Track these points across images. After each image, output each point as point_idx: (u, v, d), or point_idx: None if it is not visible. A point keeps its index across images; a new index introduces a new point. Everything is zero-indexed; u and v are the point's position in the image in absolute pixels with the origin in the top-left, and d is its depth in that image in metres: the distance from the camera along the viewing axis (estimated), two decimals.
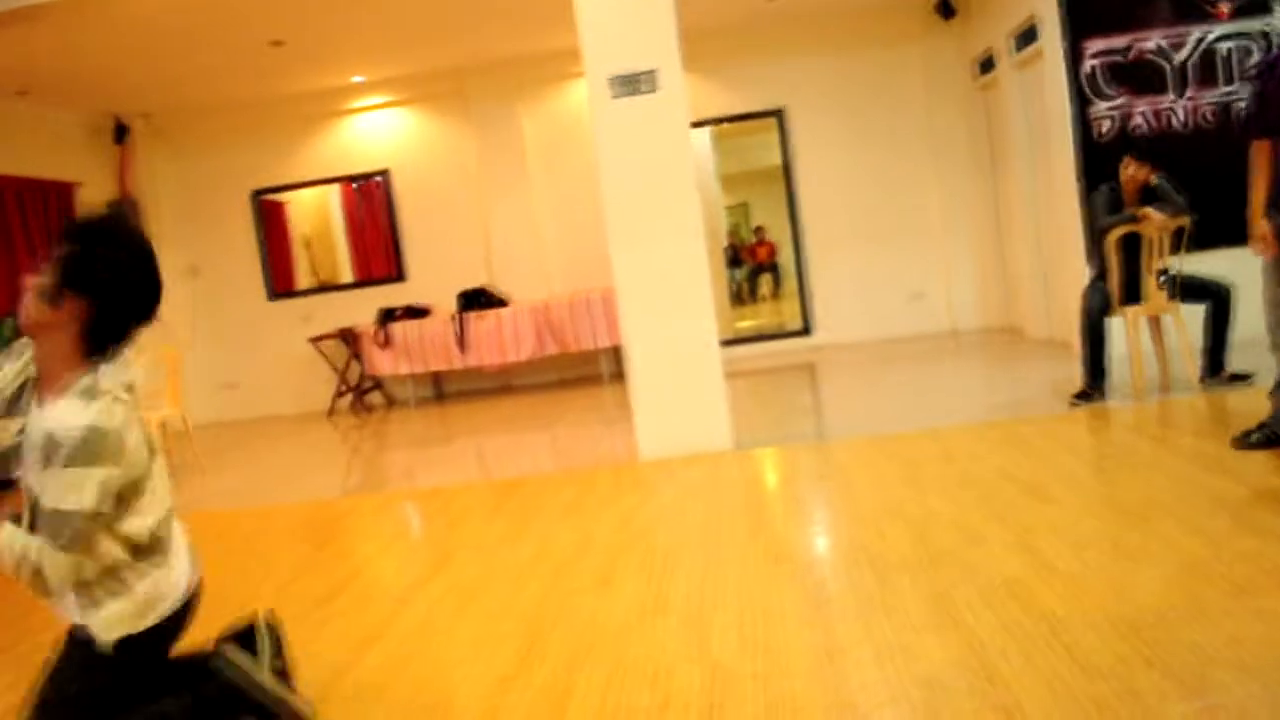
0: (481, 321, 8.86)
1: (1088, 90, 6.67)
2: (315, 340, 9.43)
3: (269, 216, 10.08)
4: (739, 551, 3.66)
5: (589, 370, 9.33)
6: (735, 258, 16.14)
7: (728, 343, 7.75)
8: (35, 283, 2.04)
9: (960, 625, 2.67)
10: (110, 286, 2.04)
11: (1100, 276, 5.53)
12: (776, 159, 9.58)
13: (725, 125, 10.00)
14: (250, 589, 4.03)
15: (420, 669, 2.95)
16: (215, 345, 9.95)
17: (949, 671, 2.40)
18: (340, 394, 9.44)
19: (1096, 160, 6.56)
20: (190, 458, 7.42)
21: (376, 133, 9.78)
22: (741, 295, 16.21)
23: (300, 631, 3.41)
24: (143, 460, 2.07)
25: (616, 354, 8.95)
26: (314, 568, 4.38)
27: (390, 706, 2.70)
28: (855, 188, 9.23)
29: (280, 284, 10.06)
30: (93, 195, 9.08)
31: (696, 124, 8.12)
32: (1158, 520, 3.34)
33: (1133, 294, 5.40)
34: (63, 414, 1.96)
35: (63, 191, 8.67)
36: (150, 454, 2.12)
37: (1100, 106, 6.67)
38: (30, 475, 2.00)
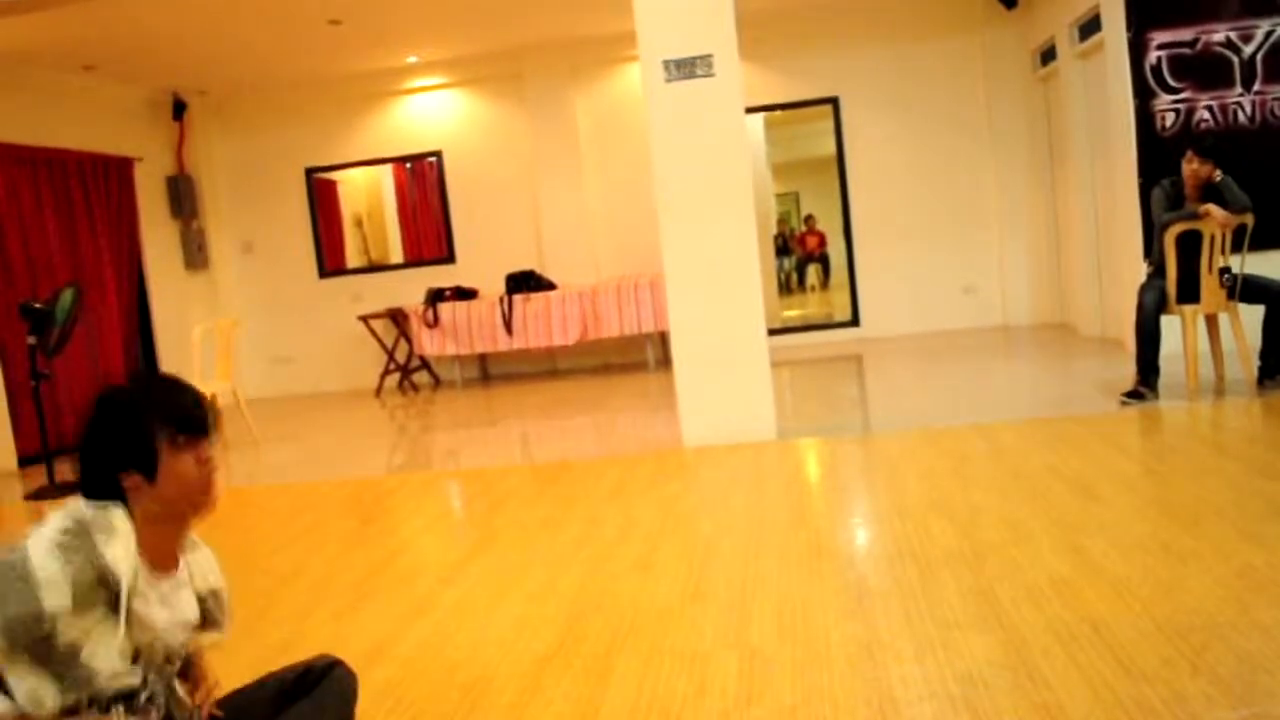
0: (529, 304, 8.90)
1: (1151, 83, 6.53)
2: (365, 319, 9.52)
3: (322, 195, 10.18)
4: (780, 541, 3.65)
5: (635, 356, 9.34)
6: (784, 247, 16.04)
7: (774, 332, 7.71)
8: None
9: (1003, 623, 2.64)
10: None
11: (1157, 274, 5.42)
12: (829, 148, 9.49)
13: (777, 113, 9.93)
14: (299, 561, 4.10)
15: (461, 646, 2.98)
16: (268, 320, 10.08)
17: (990, 669, 2.38)
18: (388, 373, 9.53)
19: (1158, 155, 6.42)
20: (243, 431, 7.54)
21: (430, 114, 9.83)
22: (789, 285, 16.11)
23: (345, 605, 3.47)
24: None
25: (663, 340, 8.95)
26: (360, 543, 4.45)
27: (431, 682, 2.72)
28: (909, 179, 9.12)
29: (331, 262, 10.17)
30: (151, 170, 9.23)
31: (750, 110, 8.06)
32: (1209, 524, 3.28)
33: (1189, 292, 5.28)
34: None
35: (123, 165, 8.81)
36: None
37: (1164, 100, 6.53)
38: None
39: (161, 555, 1.77)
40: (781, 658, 2.60)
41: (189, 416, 1.77)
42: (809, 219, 16.68)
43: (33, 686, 1.57)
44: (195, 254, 9.71)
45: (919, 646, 2.57)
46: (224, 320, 8.04)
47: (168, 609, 1.78)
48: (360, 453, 6.80)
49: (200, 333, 7.37)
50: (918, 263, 9.15)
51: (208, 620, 1.90)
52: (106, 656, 1.65)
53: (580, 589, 3.36)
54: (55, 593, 1.56)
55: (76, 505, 1.71)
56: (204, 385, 7.25)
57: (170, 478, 1.73)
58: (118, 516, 1.68)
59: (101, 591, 1.60)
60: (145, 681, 1.77)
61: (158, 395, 1.78)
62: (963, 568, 3.11)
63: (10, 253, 7.50)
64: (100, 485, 1.73)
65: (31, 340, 6.35)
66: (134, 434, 1.72)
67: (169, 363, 9.15)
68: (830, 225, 14.24)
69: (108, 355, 8.31)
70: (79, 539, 1.62)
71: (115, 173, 8.70)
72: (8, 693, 1.61)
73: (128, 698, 1.80)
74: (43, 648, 1.57)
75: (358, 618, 3.33)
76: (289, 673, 2.01)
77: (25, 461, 7.28)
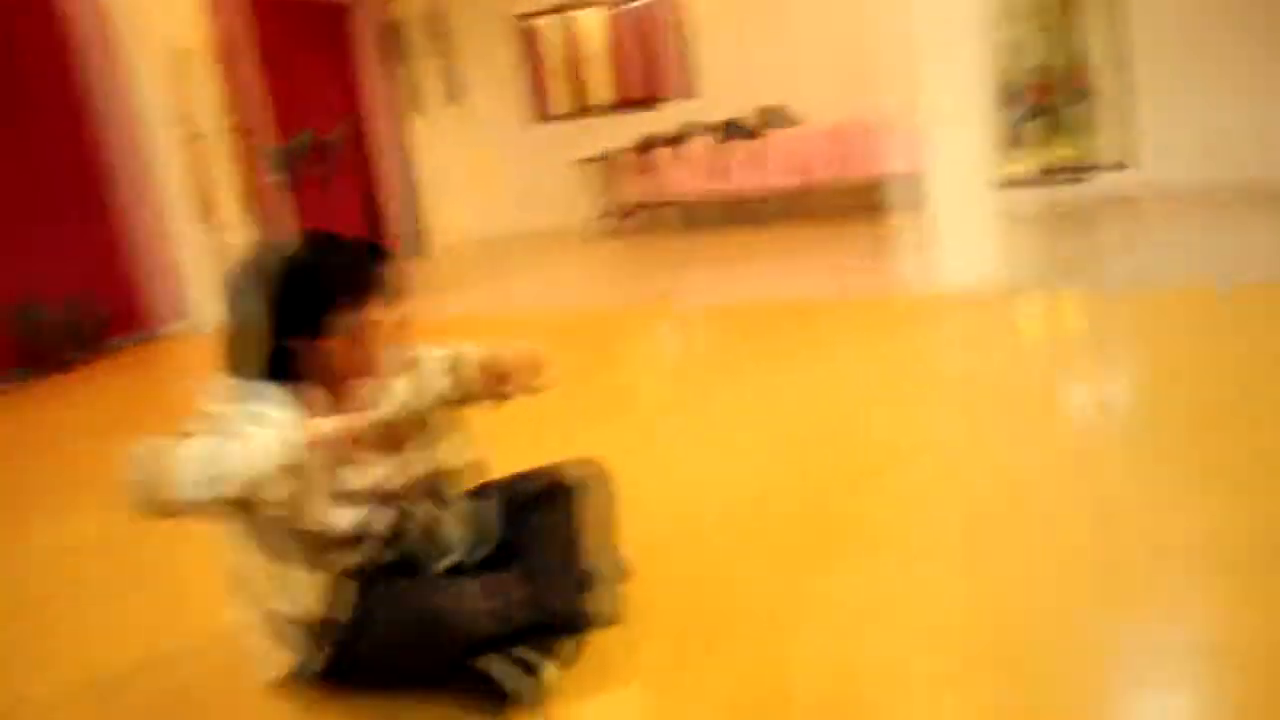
0: (758, 146, 8.72)
1: None
2: (584, 161, 9.61)
3: (531, 40, 10.22)
4: (1010, 397, 3.58)
5: (866, 201, 8.94)
6: (1023, 95, 14.93)
7: (1021, 183, 7.14)
8: None
9: (1240, 489, 2.54)
10: None
11: None
12: None
13: None
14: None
15: (690, 476, 3.11)
16: (484, 164, 10.33)
17: (1228, 532, 2.31)
18: (608, 214, 9.63)
19: None
20: (483, 262, 7.81)
21: None
22: (1039, 129, 15.00)
23: (578, 427, 3.65)
24: None
25: (898, 184, 8.56)
26: (593, 371, 4.61)
27: (659, 508, 2.81)
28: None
29: (546, 106, 10.27)
30: (362, 18, 9.45)
31: None
32: None
33: None
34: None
35: (336, 13, 9.08)
36: None
37: None
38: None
39: (346, 410, 1.81)
40: (1004, 513, 2.59)
41: (363, 278, 1.79)
42: (1048, 68, 15.38)
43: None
44: (453, 92, 10.02)
45: (1154, 506, 2.51)
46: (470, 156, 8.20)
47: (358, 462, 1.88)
48: (582, 289, 6.98)
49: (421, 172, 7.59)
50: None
51: (465, 395, 2.00)
52: (310, 510, 1.81)
53: (814, 426, 3.43)
54: (239, 463, 1.58)
55: (234, 384, 1.75)
56: (437, 223, 7.58)
57: (343, 340, 1.77)
58: (275, 391, 1.73)
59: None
60: (366, 523, 1.93)
61: (332, 257, 1.80)
62: (1203, 432, 2.95)
63: (257, 98, 7.93)
64: (264, 357, 1.77)
65: (275, 179, 6.79)
66: (311, 298, 1.74)
67: (392, 203, 9.58)
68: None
69: (339, 194, 8.77)
70: (244, 416, 1.67)
71: (329, 21, 8.98)
72: None
73: (355, 539, 1.96)
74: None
75: (589, 438, 3.49)
76: (549, 475, 2.16)
77: None
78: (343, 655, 1.90)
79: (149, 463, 1.56)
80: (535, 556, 2.06)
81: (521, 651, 1.94)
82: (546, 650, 1.97)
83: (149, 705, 2.10)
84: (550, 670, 1.94)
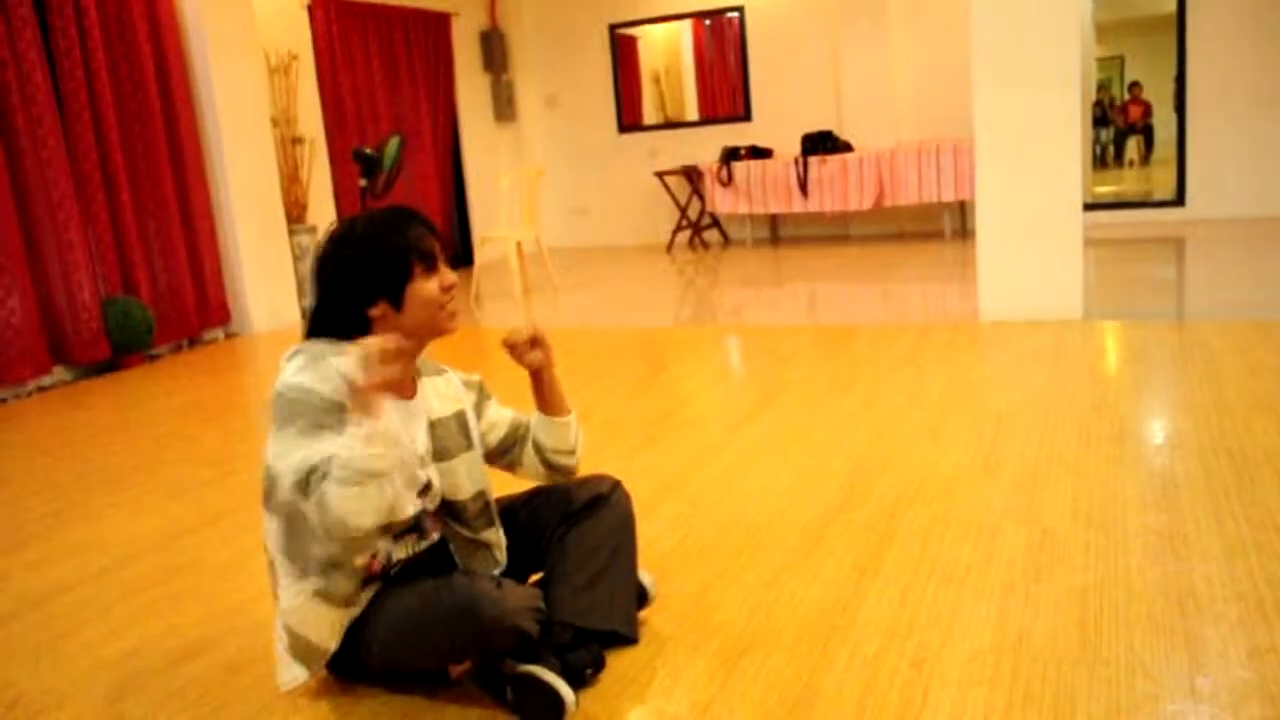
0: (824, 166, 8.73)
1: None
2: (660, 175, 9.69)
3: (623, 51, 10.31)
4: (1079, 423, 3.49)
5: (931, 225, 9.01)
6: (1102, 116, 14.74)
7: (1088, 207, 7.19)
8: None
9: None
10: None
11: None
12: (1165, 5, 8.54)
13: None
14: (599, 399, 4.35)
15: (747, 492, 3.09)
16: (568, 172, 10.47)
17: None
18: (680, 229, 9.71)
19: None
20: (544, 277, 7.96)
21: None
22: (1105, 158, 14.86)
23: (636, 445, 3.67)
24: None
25: (962, 209, 8.58)
26: (650, 389, 4.65)
27: (714, 521, 2.86)
28: (1261, 43, 8.07)
29: (630, 117, 10.35)
30: (466, 25, 9.64)
31: None
32: None
33: None
34: (453, 387, 2.13)
35: (441, 20, 9.27)
36: None
37: None
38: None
39: (397, 382, 1.84)
40: (1074, 539, 2.53)
41: (432, 245, 1.91)
42: (1134, 86, 15.20)
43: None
44: (504, 106, 10.16)
45: (1228, 545, 2.42)
46: (530, 169, 8.42)
47: (405, 434, 1.93)
48: (652, 304, 7.03)
49: (509, 181, 7.75)
50: (1260, 138, 8.18)
51: (439, 452, 2.02)
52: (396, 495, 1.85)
53: (866, 450, 3.38)
54: (323, 386, 1.77)
55: (310, 344, 1.87)
56: (510, 232, 7.69)
57: (416, 303, 1.88)
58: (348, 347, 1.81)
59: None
60: (421, 517, 2.00)
61: (403, 226, 1.89)
62: None
63: (343, 102, 8.13)
64: (342, 321, 1.88)
65: (362, 183, 6.93)
66: (387, 263, 1.86)
67: (478, 209, 9.74)
68: (1157, 94, 12.93)
69: (425, 200, 8.94)
70: (321, 360, 1.81)
71: (434, 27, 9.17)
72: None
73: (405, 531, 2.00)
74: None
75: (647, 457, 3.51)
76: (575, 489, 2.16)
77: None
78: (359, 634, 1.92)
79: (317, 508, 1.71)
80: (575, 568, 2.06)
81: (573, 657, 1.95)
82: (591, 661, 1.98)
83: (165, 698, 2.14)
84: (590, 679, 1.96)
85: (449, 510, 2.07)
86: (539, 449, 2.17)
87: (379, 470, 1.69)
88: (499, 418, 2.19)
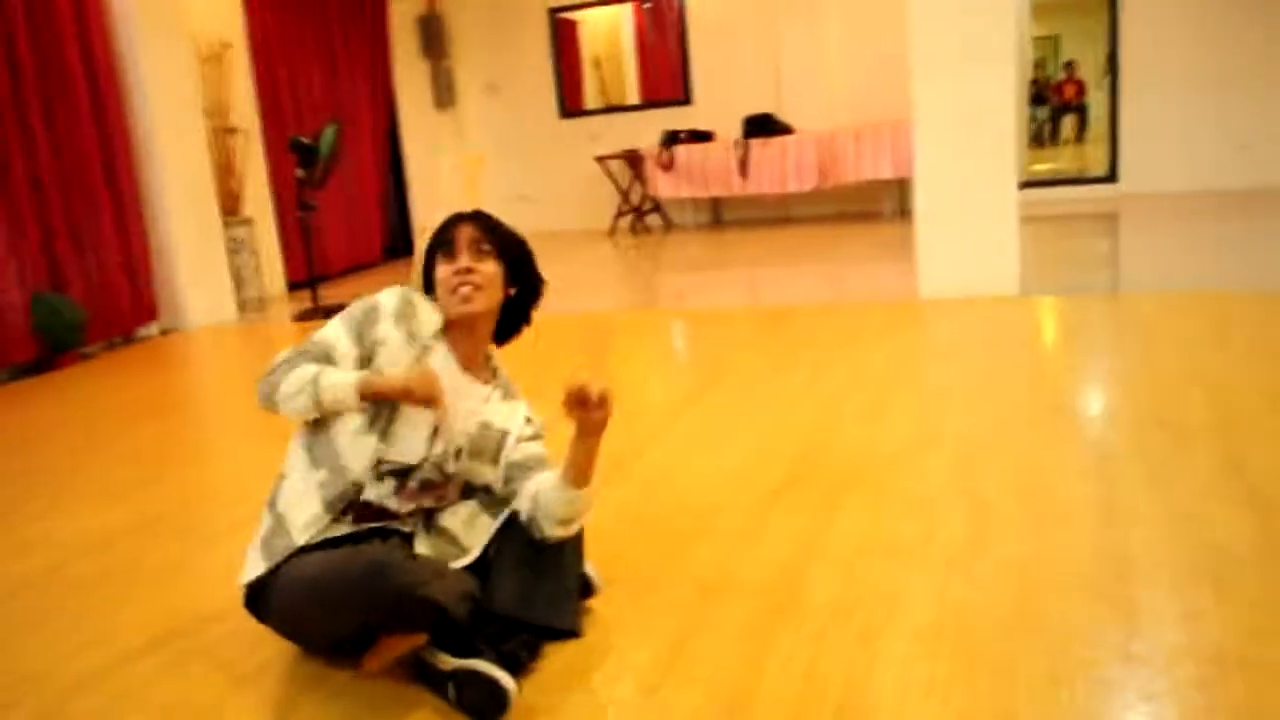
0: (765, 149, 8.75)
1: None
2: (601, 160, 9.66)
3: (563, 34, 10.25)
4: (1017, 398, 3.55)
5: (871, 206, 9.08)
6: (1039, 95, 14.97)
7: (1023, 185, 7.30)
8: (492, 271, 2.16)
9: (1256, 497, 2.50)
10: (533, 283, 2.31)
11: None
12: None
13: None
14: (543, 385, 4.31)
15: (691, 475, 3.10)
16: (510, 159, 10.37)
17: (1240, 543, 2.27)
18: (621, 214, 9.69)
19: None
20: None
21: None
22: (1042, 136, 15.11)
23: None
24: None
25: (900, 189, 8.65)
26: (596, 373, 4.62)
27: (660, 504, 2.87)
28: (1191, 24, 8.22)
29: (571, 102, 10.30)
30: (404, 10, 9.52)
31: None
32: None
33: None
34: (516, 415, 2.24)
35: (378, 5, 9.13)
36: None
37: None
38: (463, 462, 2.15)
39: (462, 356, 2.19)
40: (1013, 512, 2.57)
41: (453, 235, 2.17)
42: (1069, 65, 15.45)
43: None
44: (444, 92, 10.06)
45: (1162, 513, 2.47)
46: (471, 154, 8.34)
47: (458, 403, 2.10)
48: (593, 289, 7.01)
49: (449, 164, 7.66)
50: (1189, 116, 8.34)
51: (474, 450, 2.14)
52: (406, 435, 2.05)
53: (809, 430, 3.40)
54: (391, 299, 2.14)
55: (408, 291, 2.20)
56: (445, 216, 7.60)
57: (437, 285, 2.17)
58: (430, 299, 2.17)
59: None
60: (422, 463, 2.06)
61: (447, 223, 2.20)
62: (1216, 439, 2.93)
63: (279, 91, 7.98)
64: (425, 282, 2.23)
65: (300, 174, 6.82)
66: (427, 253, 2.23)
67: (419, 197, 9.63)
68: (1092, 73, 13.16)
69: (364, 189, 8.82)
70: (412, 306, 2.16)
71: (371, 11, 9.04)
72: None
73: (401, 473, 2.05)
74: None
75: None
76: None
77: (293, 287, 7.92)
78: (282, 569, 1.95)
79: (273, 376, 2.04)
80: (518, 559, 2.05)
81: (512, 645, 1.94)
82: (526, 648, 1.98)
83: (113, 699, 2.10)
84: (527, 667, 1.96)
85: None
86: (535, 506, 2.05)
87: (322, 403, 2.00)
88: (533, 451, 2.19)
